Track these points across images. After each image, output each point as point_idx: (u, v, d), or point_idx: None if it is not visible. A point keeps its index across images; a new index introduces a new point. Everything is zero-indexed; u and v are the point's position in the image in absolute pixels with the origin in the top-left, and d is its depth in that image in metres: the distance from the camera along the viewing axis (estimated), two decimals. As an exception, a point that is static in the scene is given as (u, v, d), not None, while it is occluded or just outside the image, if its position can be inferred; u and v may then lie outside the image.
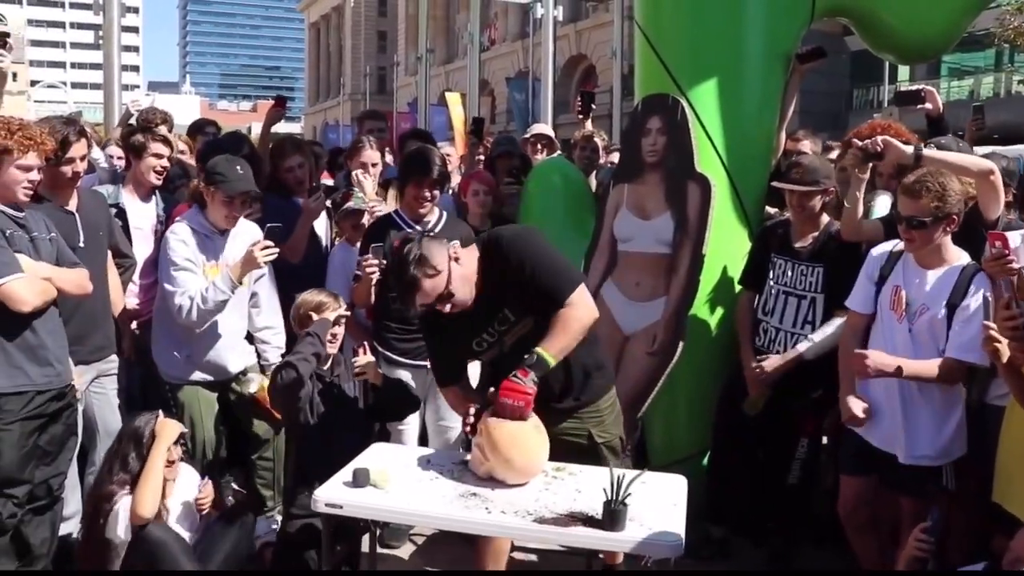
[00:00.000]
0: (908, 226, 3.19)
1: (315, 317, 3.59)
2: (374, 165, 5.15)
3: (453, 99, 16.76)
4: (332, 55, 68.50)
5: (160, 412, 3.48)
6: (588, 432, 3.23)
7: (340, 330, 3.63)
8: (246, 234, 4.13)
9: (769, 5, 4.37)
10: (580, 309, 2.99)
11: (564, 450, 3.12)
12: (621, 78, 18.32)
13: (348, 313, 3.71)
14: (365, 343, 3.76)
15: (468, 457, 3.06)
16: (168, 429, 3.40)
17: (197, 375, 4.13)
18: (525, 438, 2.93)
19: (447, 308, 2.99)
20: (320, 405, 3.45)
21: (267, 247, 3.84)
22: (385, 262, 3.86)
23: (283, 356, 3.80)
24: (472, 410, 3.04)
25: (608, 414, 3.29)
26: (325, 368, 3.58)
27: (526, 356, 2.90)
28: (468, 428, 3.01)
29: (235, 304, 4.06)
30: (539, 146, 6.14)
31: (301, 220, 4.62)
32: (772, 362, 3.91)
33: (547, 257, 3.02)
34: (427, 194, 4.09)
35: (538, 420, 2.96)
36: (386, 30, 61.17)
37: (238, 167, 3.98)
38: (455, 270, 2.97)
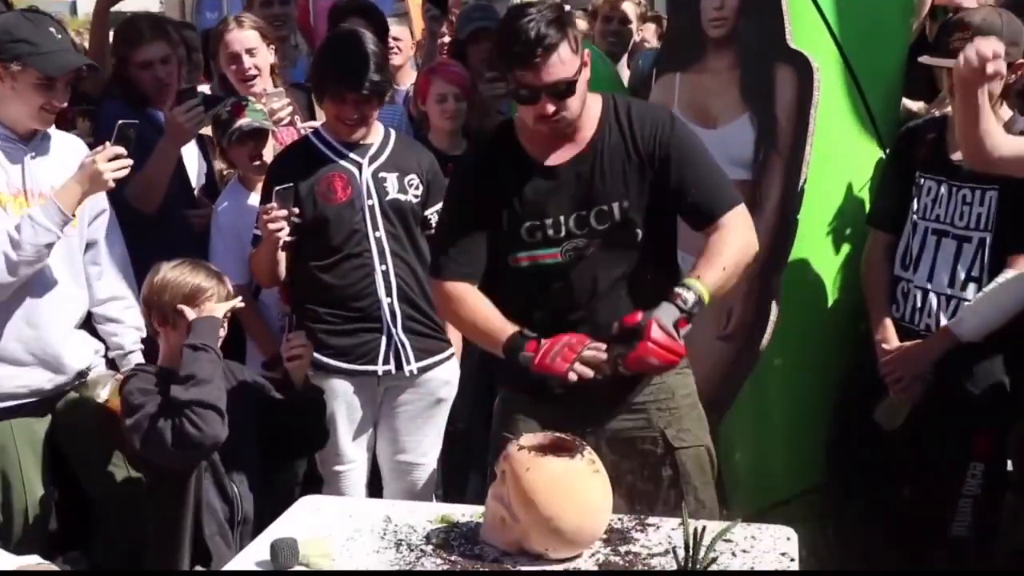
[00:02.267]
0: None
1: (189, 313, 3.28)
2: (249, 52, 4.69)
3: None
4: None
5: None
6: (660, 433, 3.18)
7: (223, 332, 3.42)
8: (66, 150, 3.84)
9: None
10: (745, 233, 3.09)
11: (621, 460, 3.07)
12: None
13: (242, 304, 3.52)
14: (293, 315, 3.83)
15: (446, 511, 2.94)
16: None
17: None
18: (580, 482, 2.70)
19: (551, 110, 2.94)
20: None
21: (118, 156, 3.56)
22: (298, 212, 3.78)
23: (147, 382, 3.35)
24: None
25: (687, 408, 3.26)
26: None
27: (678, 289, 2.87)
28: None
29: (65, 261, 3.76)
30: None
31: (161, 143, 4.26)
32: (908, 353, 3.72)
33: (707, 155, 3.16)
34: (355, 114, 3.95)
35: (592, 452, 2.79)
36: None
37: (52, 28, 3.68)
38: (584, 77, 3.01)
